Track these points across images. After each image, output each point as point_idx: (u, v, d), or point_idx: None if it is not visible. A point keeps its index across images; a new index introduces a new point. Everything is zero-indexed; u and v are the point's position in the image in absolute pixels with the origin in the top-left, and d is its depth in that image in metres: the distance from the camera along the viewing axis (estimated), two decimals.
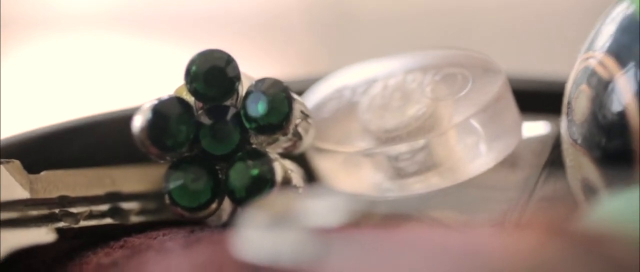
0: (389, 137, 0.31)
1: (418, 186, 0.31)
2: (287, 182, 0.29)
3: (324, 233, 0.23)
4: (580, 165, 0.28)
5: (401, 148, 0.31)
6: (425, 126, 0.31)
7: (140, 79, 0.85)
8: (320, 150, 0.32)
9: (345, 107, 0.32)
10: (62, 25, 0.95)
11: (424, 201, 0.31)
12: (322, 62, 0.88)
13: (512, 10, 0.85)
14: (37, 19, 0.95)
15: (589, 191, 0.28)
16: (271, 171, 0.29)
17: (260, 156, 0.29)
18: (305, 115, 0.30)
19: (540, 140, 0.33)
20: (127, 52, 0.91)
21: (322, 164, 0.32)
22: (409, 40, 0.83)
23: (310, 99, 0.33)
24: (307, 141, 0.31)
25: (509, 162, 0.32)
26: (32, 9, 0.96)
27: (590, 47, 0.29)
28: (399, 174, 0.31)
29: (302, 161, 0.32)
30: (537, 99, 0.34)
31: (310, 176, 0.32)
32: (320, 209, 0.25)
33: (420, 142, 0.31)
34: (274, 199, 0.27)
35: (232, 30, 0.93)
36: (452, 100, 0.31)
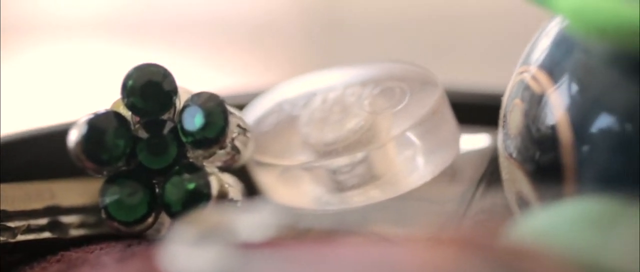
0: (328, 151, 0.31)
1: (358, 199, 0.31)
2: (223, 196, 0.29)
3: (250, 248, 0.23)
4: (514, 178, 0.28)
5: (340, 161, 0.31)
6: (363, 139, 0.31)
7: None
8: (260, 163, 0.32)
9: (286, 121, 0.32)
10: (57, 32, 0.94)
11: (363, 214, 0.31)
12: (313, 68, 0.88)
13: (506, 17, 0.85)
14: (32, 25, 0.95)
15: (523, 204, 0.28)
16: (207, 185, 0.29)
17: (196, 170, 0.29)
18: (243, 129, 0.30)
19: (479, 153, 0.33)
20: (119, 59, 0.90)
21: (262, 178, 0.32)
22: (399, 45, 0.83)
23: (251, 113, 0.33)
24: (246, 155, 0.31)
25: (449, 174, 0.32)
26: (26, 15, 0.95)
27: (525, 61, 0.29)
28: (339, 187, 0.31)
29: (245, 174, 0.32)
30: (481, 111, 0.34)
31: (253, 190, 0.32)
32: (249, 224, 0.24)
33: (359, 155, 0.30)
34: (203, 214, 0.27)
35: (224, 36, 0.92)
36: (390, 113, 0.31)
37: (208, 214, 0.26)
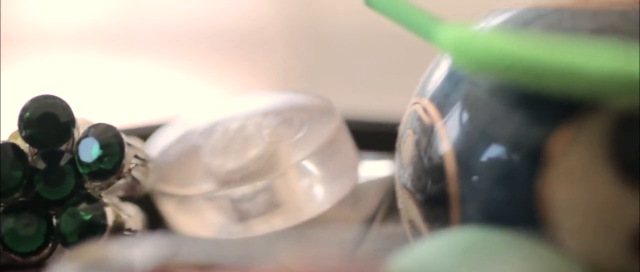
0: (230, 180, 0.31)
1: (260, 227, 0.31)
2: (120, 226, 0.29)
3: None
4: (407, 207, 0.29)
5: (242, 190, 0.31)
6: (264, 168, 0.31)
7: (123, 96, 0.84)
8: (163, 193, 0.32)
9: (189, 151, 0.32)
10: (47, 44, 0.94)
11: (266, 242, 0.31)
12: (299, 77, 0.88)
13: None
14: (22, 38, 0.94)
15: (416, 233, 0.28)
16: (103, 216, 0.28)
17: (93, 200, 0.29)
18: (142, 160, 0.30)
19: (381, 181, 0.33)
20: (106, 70, 0.90)
21: (166, 207, 0.32)
22: (383, 55, 0.83)
23: (155, 143, 0.33)
24: (147, 185, 0.31)
25: (350, 202, 0.32)
26: (17, 28, 0.95)
27: (418, 92, 0.29)
28: (241, 216, 0.31)
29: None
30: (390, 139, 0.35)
31: (158, 219, 0.32)
32: (138, 255, 0.24)
33: (260, 183, 0.31)
34: (90, 246, 0.27)
35: (210, 46, 0.92)
36: (290, 143, 0.31)
37: (95, 246, 0.26)
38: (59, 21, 0.97)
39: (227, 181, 0.31)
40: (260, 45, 0.93)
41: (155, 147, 0.32)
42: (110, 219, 0.28)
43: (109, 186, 0.29)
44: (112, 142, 0.28)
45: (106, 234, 0.28)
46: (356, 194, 0.32)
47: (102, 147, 0.28)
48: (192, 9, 0.96)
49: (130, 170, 0.29)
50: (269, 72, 0.91)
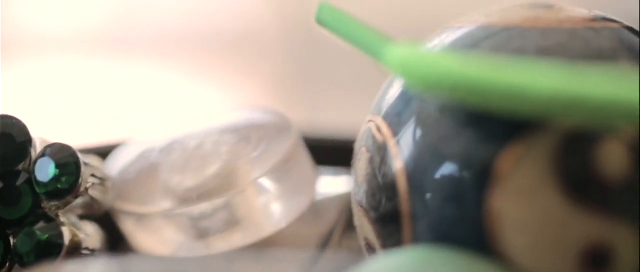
0: (188, 198, 0.31)
1: (220, 245, 0.31)
2: (77, 246, 0.29)
3: None
4: (362, 225, 0.29)
5: (201, 208, 0.31)
6: (223, 186, 0.31)
7: (121, 99, 0.84)
8: (122, 212, 0.32)
9: (148, 169, 0.32)
10: (41, 48, 0.93)
11: (225, 261, 0.31)
12: (295, 80, 0.88)
13: None
14: (19, 41, 0.94)
15: (371, 251, 0.28)
16: (60, 236, 0.28)
17: (49, 220, 0.29)
18: (100, 179, 0.30)
19: (341, 197, 0.33)
20: (104, 73, 0.90)
21: (125, 226, 0.32)
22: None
23: (114, 162, 0.33)
24: (106, 204, 0.31)
25: (310, 218, 0.32)
26: (14, 31, 0.94)
27: (373, 110, 0.29)
28: (201, 233, 0.31)
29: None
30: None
31: (119, 238, 0.32)
32: None
33: (219, 201, 0.31)
34: (43, 267, 0.27)
35: (207, 49, 0.92)
36: (248, 160, 0.31)
37: (51, 266, 0.26)
38: (58, 25, 0.97)
39: (186, 198, 0.31)
40: (258, 48, 0.93)
41: (114, 165, 0.32)
42: (67, 238, 0.28)
43: (66, 205, 0.29)
44: (68, 162, 0.28)
45: (63, 253, 0.28)
46: (315, 210, 0.32)
47: (58, 167, 0.28)
48: (190, 13, 0.96)
49: (87, 189, 0.29)
50: (266, 75, 0.91)
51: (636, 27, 0.28)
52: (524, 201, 0.25)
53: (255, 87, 0.88)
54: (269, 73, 0.91)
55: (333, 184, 0.33)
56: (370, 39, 0.26)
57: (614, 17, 0.28)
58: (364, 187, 0.28)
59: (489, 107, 0.24)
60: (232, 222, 0.31)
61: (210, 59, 0.91)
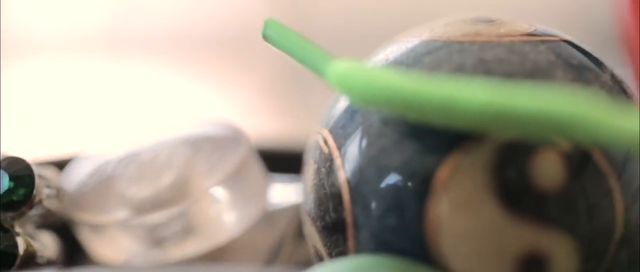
0: (144, 208, 0.32)
1: (175, 253, 0.32)
2: (32, 256, 0.29)
3: None
4: (310, 234, 0.29)
5: (156, 217, 0.31)
6: (177, 195, 0.31)
7: (119, 100, 0.84)
8: (79, 222, 0.32)
9: (104, 180, 0.33)
10: (40, 49, 0.93)
11: (180, 269, 0.32)
12: (291, 79, 0.89)
13: None
14: (17, 43, 0.94)
15: (319, 259, 0.29)
16: (15, 246, 0.29)
17: (4, 231, 0.29)
18: (54, 190, 0.30)
19: (295, 206, 0.34)
20: (101, 74, 0.90)
21: (83, 236, 0.32)
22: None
23: (71, 173, 0.33)
24: (61, 214, 0.31)
25: (265, 227, 0.33)
26: (12, 33, 0.94)
27: (322, 122, 0.30)
28: (156, 242, 0.32)
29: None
30: None
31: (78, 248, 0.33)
32: None
33: (174, 210, 0.31)
34: None
35: (204, 49, 0.92)
36: (201, 171, 0.32)
37: None
38: (55, 27, 0.97)
39: (141, 208, 0.31)
40: (255, 49, 0.93)
41: (71, 177, 0.33)
42: (21, 248, 0.29)
43: (21, 216, 0.29)
44: (22, 174, 0.29)
45: (17, 263, 0.29)
46: (269, 219, 0.32)
47: (12, 179, 0.29)
48: (187, 14, 0.96)
49: (41, 200, 0.30)
50: (263, 75, 0.91)
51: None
52: (462, 211, 0.25)
53: (252, 87, 0.89)
54: (266, 73, 0.92)
55: (289, 193, 0.34)
56: (314, 55, 0.26)
57: (554, 31, 0.29)
58: (311, 197, 0.29)
59: (425, 120, 0.24)
60: (187, 231, 0.31)
61: (208, 59, 0.92)
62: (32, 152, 0.32)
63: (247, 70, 0.91)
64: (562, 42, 0.28)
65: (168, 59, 0.91)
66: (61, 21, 0.97)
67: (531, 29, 0.28)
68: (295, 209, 0.33)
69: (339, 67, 0.25)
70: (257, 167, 0.32)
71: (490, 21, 0.28)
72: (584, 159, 0.25)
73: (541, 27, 0.29)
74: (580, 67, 0.27)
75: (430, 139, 0.26)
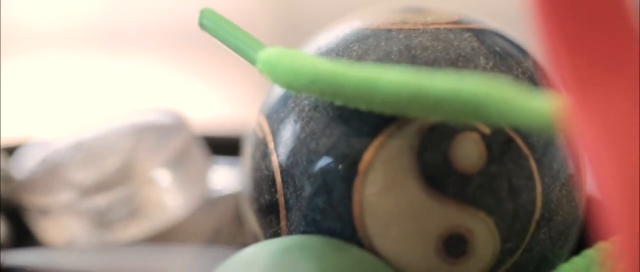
0: (90, 191, 0.32)
1: (120, 235, 0.32)
2: None
3: None
4: (248, 216, 0.30)
5: (102, 200, 0.32)
6: (122, 179, 0.32)
7: (114, 93, 0.84)
8: (28, 205, 0.33)
9: (53, 166, 0.33)
10: (31, 44, 0.93)
11: (126, 251, 0.32)
12: None
13: None
14: (11, 37, 0.93)
15: (255, 240, 0.29)
16: None
17: None
18: (5, 174, 0.31)
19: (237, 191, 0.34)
20: (93, 68, 0.89)
21: (31, 219, 0.33)
22: None
23: (21, 159, 0.34)
24: (10, 199, 0.32)
25: (208, 210, 0.33)
26: (8, 27, 0.94)
27: (260, 108, 0.30)
28: (102, 225, 0.32)
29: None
30: None
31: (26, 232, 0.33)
32: None
33: (119, 194, 0.32)
34: None
35: (197, 43, 0.92)
36: (145, 156, 0.32)
37: None
38: (50, 20, 0.96)
39: (87, 191, 0.32)
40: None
41: (20, 162, 0.33)
42: None
43: None
44: None
45: None
46: (212, 202, 0.33)
47: None
48: (181, 8, 0.96)
49: None
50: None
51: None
52: (387, 192, 0.26)
53: (244, 81, 0.89)
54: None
55: (232, 177, 0.34)
56: (247, 43, 0.27)
57: (481, 19, 0.29)
58: (248, 181, 0.29)
59: (347, 104, 0.25)
60: (131, 214, 0.32)
61: (201, 53, 0.92)
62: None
63: (240, 64, 0.91)
64: (487, 30, 0.28)
65: (162, 54, 0.91)
66: (53, 15, 0.96)
67: (457, 17, 0.29)
68: (237, 194, 0.34)
69: (267, 53, 0.26)
70: (198, 153, 0.32)
71: (418, 10, 0.29)
72: (504, 143, 0.26)
73: (469, 16, 0.29)
74: (503, 54, 0.28)
75: (357, 123, 0.26)
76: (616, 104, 0.19)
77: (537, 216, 0.27)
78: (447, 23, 0.28)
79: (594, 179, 0.19)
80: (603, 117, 0.19)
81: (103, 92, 0.86)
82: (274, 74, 0.25)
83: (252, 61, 0.26)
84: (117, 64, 0.91)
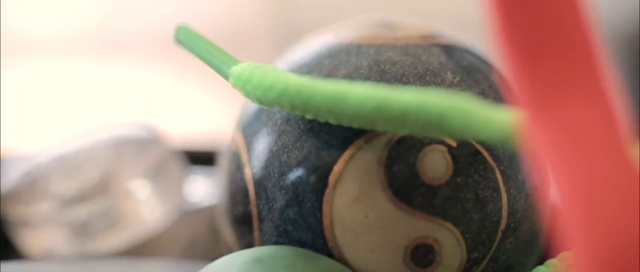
0: (70, 201, 0.32)
1: (99, 245, 0.33)
2: None
3: None
4: (223, 227, 0.30)
5: (81, 211, 0.32)
6: (101, 190, 0.32)
7: (111, 99, 0.84)
8: (10, 217, 0.33)
9: (35, 179, 0.33)
10: (29, 50, 0.93)
11: (105, 261, 0.33)
12: None
13: None
14: (8, 44, 0.93)
15: (229, 250, 0.30)
16: None
17: None
18: None
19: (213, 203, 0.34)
20: (92, 74, 0.89)
21: (13, 231, 0.33)
22: None
23: (3, 173, 0.34)
24: None
25: (185, 221, 0.34)
26: (6, 33, 0.94)
27: (236, 122, 0.30)
28: (82, 235, 0.32)
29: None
30: None
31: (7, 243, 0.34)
32: None
33: (97, 205, 0.32)
34: None
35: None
36: (124, 168, 0.32)
37: None
38: (48, 27, 0.97)
39: (68, 203, 0.32)
40: (246, 48, 0.93)
41: (2, 175, 0.33)
42: None
43: None
44: None
45: None
46: (189, 214, 0.33)
47: None
48: (178, 13, 0.96)
49: None
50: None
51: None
52: (356, 203, 0.26)
53: None
54: None
55: (209, 189, 0.35)
56: (220, 58, 0.27)
57: (450, 35, 0.30)
58: (223, 193, 0.30)
59: (316, 117, 0.25)
60: (109, 225, 0.32)
61: (199, 60, 0.92)
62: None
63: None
64: (455, 46, 0.29)
65: (160, 59, 0.91)
66: (52, 22, 0.96)
67: (427, 33, 0.29)
68: (213, 206, 0.34)
69: (239, 68, 0.26)
70: (175, 166, 0.33)
71: (389, 25, 0.29)
72: (471, 156, 0.26)
73: (438, 31, 0.29)
74: (470, 68, 0.28)
75: (327, 136, 0.27)
76: (573, 118, 0.19)
77: (503, 226, 0.27)
78: (417, 38, 0.28)
79: (553, 192, 0.19)
80: (559, 131, 0.19)
81: (100, 99, 0.86)
82: (246, 89, 0.25)
83: (225, 76, 0.27)
84: (114, 71, 0.91)
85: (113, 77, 0.91)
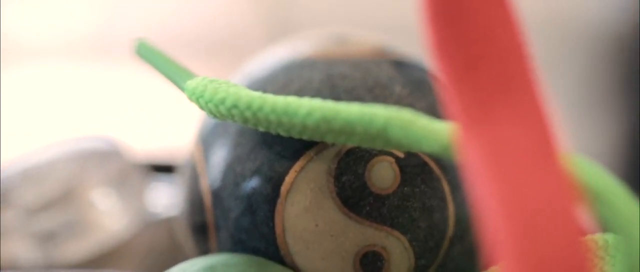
0: (35, 211, 0.33)
1: (63, 254, 0.33)
2: None
3: None
4: (183, 235, 0.31)
5: (46, 220, 0.33)
6: (66, 200, 0.33)
7: (109, 104, 0.84)
8: None
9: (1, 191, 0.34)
10: (26, 56, 0.93)
11: (69, 271, 0.33)
12: None
13: None
14: (12, 49, 0.93)
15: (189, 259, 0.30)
16: None
17: None
18: None
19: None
20: (87, 80, 0.89)
21: None
22: None
23: None
24: None
25: (147, 233, 0.34)
26: (5, 40, 0.94)
27: (196, 132, 0.31)
28: (46, 244, 0.33)
29: None
30: None
31: None
32: None
33: (60, 215, 0.33)
34: None
35: (191, 52, 0.92)
36: (86, 180, 0.33)
37: None
38: (45, 33, 0.97)
39: (32, 212, 0.33)
40: (242, 51, 0.93)
41: None
42: None
43: None
44: None
45: None
46: (151, 224, 0.34)
47: None
48: (175, 17, 0.96)
49: None
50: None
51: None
52: (307, 212, 0.27)
53: None
54: None
55: (169, 200, 0.35)
56: (177, 72, 0.28)
57: (400, 49, 0.30)
58: (182, 203, 0.30)
59: (267, 129, 0.26)
60: (73, 235, 0.33)
61: (195, 62, 0.92)
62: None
63: (233, 73, 0.92)
64: (404, 60, 0.29)
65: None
66: (50, 28, 0.97)
67: (378, 48, 0.30)
68: (174, 217, 0.35)
69: (194, 82, 0.27)
70: (137, 177, 0.33)
71: (342, 40, 0.30)
72: (418, 166, 0.27)
73: (389, 46, 0.30)
74: (418, 82, 0.29)
75: (280, 148, 0.27)
76: (502, 131, 0.20)
77: (450, 233, 0.28)
78: (369, 53, 0.29)
79: (482, 205, 0.19)
80: (488, 144, 0.20)
81: (97, 104, 0.86)
82: (199, 102, 0.26)
83: (181, 88, 0.27)
84: (112, 76, 0.92)
85: (111, 83, 0.91)
